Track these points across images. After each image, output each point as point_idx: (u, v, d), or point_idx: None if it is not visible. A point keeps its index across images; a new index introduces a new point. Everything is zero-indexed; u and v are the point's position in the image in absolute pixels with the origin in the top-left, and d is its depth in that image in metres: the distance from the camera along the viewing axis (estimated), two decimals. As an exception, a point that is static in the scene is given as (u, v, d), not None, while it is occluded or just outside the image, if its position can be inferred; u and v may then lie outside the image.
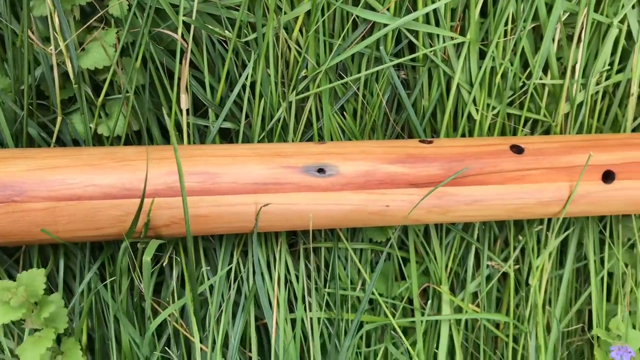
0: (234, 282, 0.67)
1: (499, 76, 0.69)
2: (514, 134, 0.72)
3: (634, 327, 0.74)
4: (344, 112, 0.70)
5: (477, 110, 0.70)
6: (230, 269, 0.66)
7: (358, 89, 0.68)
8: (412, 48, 0.69)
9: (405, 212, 0.62)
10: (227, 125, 0.67)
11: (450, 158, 0.63)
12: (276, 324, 0.64)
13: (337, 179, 0.60)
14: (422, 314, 0.71)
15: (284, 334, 0.64)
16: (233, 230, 0.61)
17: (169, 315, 0.64)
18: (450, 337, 0.73)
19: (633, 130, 0.75)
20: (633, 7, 0.70)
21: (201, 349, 0.63)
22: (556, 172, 0.64)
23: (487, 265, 0.74)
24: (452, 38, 0.67)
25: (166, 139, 0.67)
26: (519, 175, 0.63)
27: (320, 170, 0.60)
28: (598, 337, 0.74)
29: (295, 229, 0.63)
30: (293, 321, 0.68)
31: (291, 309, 0.68)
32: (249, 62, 0.64)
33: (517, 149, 0.64)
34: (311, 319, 0.67)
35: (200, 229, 0.60)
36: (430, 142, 0.64)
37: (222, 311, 0.64)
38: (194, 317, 0.63)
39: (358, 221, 0.63)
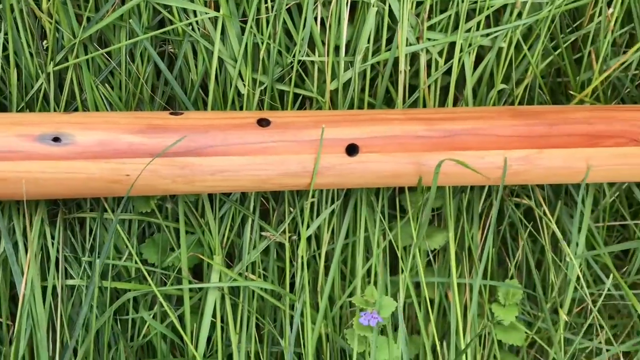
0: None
1: (262, 52, 0.71)
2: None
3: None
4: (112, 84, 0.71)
5: (244, 85, 0.72)
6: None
7: (119, 62, 0.69)
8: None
9: (148, 181, 0.64)
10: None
11: (194, 129, 0.64)
12: (24, 290, 0.66)
13: (73, 147, 0.61)
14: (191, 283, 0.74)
15: (32, 301, 0.66)
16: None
17: None
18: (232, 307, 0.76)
19: (410, 106, 0.78)
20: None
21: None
22: (300, 145, 0.66)
23: (261, 236, 0.77)
24: (206, 13, 0.68)
25: None
26: (262, 147, 0.65)
27: (56, 139, 0.61)
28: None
29: (33, 198, 0.64)
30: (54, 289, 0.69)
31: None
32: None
33: (263, 122, 0.66)
34: (67, 286, 0.68)
35: None
36: (181, 114, 0.66)
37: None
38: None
39: (99, 190, 0.64)
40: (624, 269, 0.86)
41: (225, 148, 0.64)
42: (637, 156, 0.72)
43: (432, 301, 0.83)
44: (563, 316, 0.75)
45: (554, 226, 0.76)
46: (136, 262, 0.71)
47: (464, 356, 0.80)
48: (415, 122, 0.69)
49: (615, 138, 0.71)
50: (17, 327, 0.66)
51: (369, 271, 0.80)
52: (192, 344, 0.72)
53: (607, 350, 0.78)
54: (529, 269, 0.85)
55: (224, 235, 0.76)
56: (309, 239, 0.79)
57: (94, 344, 0.68)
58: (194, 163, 0.64)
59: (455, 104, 0.80)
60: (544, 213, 0.79)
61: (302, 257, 0.74)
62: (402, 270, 0.77)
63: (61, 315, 0.69)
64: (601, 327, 0.79)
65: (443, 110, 0.73)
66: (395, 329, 0.76)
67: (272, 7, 0.70)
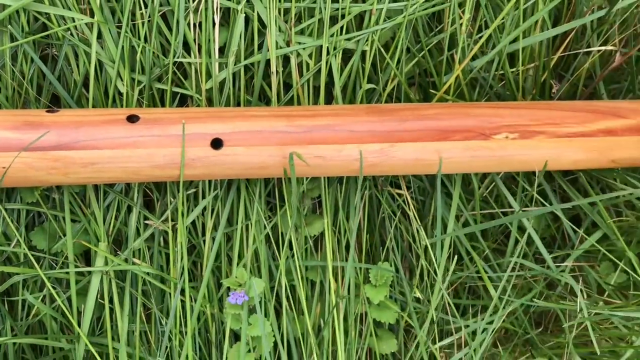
0: None
1: (138, 54, 0.77)
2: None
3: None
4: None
5: (123, 84, 0.78)
6: None
7: (4, 64, 0.75)
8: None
9: (24, 173, 0.70)
10: None
11: (66, 125, 0.70)
12: None
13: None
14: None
15: None
16: None
17: None
18: (119, 290, 0.82)
19: (286, 103, 0.85)
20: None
21: None
22: (168, 139, 0.73)
23: (147, 225, 0.83)
24: (81, 19, 0.74)
25: None
26: (130, 141, 0.72)
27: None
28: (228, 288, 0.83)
29: None
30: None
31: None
32: None
33: (133, 119, 0.73)
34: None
35: None
36: (57, 111, 0.72)
37: None
38: None
39: (-22, 182, 0.70)
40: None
41: (95, 142, 0.71)
42: (485, 149, 0.79)
43: (313, 283, 0.90)
44: (417, 293, 0.83)
45: (412, 212, 0.84)
46: (24, 248, 0.77)
47: (342, 334, 0.87)
48: (278, 119, 0.76)
49: (464, 132, 0.79)
50: None
51: (256, 256, 0.87)
52: (77, 324, 0.78)
53: (466, 327, 0.85)
54: (403, 253, 0.92)
55: (110, 224, 0.82)
56: (194, 226, 0.85)
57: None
58: (66, 156, 0.70)
59: (329, 103, 0.87)
60: (405, 201, 0.86)
61: (182, 243, 0.81)
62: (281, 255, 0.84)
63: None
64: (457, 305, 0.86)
65: (304, 107, 0.79)
66: (277, 309, 0.84)
67: (147, 13, 0.77)
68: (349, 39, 0.82)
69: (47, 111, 0.72)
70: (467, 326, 0.86)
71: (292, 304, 0.91)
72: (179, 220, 0.80)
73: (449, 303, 0.83)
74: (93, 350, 0.77)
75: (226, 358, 0.83)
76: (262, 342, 0.81)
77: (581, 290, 0.85)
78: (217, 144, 0.74)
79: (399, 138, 0.77)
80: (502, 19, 0.83)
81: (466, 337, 0.86)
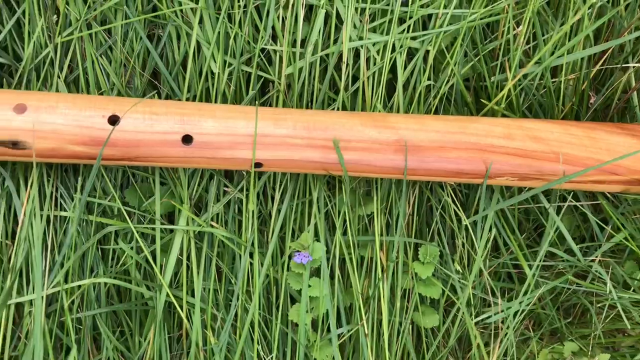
0: None
1: (231, 39, 0.88)
2: (247, 89, 0.92)
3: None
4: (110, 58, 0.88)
5: (216, 66, 0.89)
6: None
7: (115, 41, 0.86)
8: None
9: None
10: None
11: (129, 144, 0.79)
12: (23, 215, 0.82)
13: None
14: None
15: (29, 228, 0.82)
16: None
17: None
18: (197, 249, 0.92)
19: (352, 94, 0.95)
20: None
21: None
22: (217, 161, 0.83)
23: (225, 192, 0.93)
24: (187, 4, 0.86)
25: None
26: (184, 160, 0.82)
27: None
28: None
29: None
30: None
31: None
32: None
33: (187, 140, 0.81)
34: (59, 217, 0.85)
35: None
36: (118, 122, 0.80)
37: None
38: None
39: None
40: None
41: (152, 159, 0.82)
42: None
43: (362, 258, 0.99)
44: (457, 266, 0.92)
45: (449, 199, 0.93)
46: (118, 203, 0.87)
47: (389, 306, 0.96)
48: (314, 149, 0.85)
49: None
50: (15, 245, 0.82)
51: (316, 231, 0.97)
52: (160, 275, 0.88)
53: (496, 304, 0.94)
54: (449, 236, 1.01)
55: (193, 189, 0.92)
56: (265, 196, 0.95)
57: (79, 266, 0.84)
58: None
59: (390, 97, 0.97)
60: (450, 194, 0.96)
61: (253, 211, 0.91)
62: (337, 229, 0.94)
63: (53, 239, 0.85)
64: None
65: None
66: (331, 277, 0.93)
67: (243, 3, 0.88)
68: (414, 38, 0.92)
69: (109, 121, 0.80)
70: (503, 309, 0.94)
71: (343, 276, 1.00)
72: (250, 190, 0.90)
73: (488, 280, 0.92)
74: (174, 299, 0.86)
75: (286, 316, 0.92)
76: (320, 302, 0.91)
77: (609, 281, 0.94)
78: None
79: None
80: (550, 35, 0.94)
81: (502, 319, 0.95)
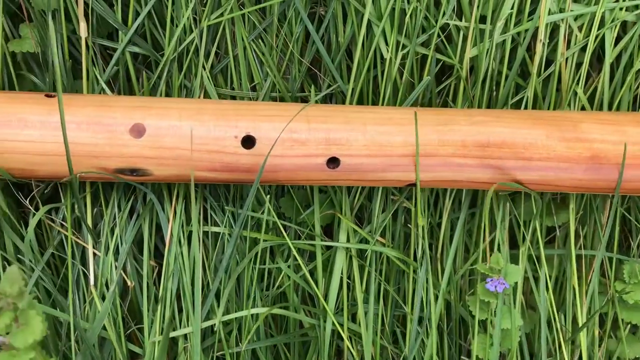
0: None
1: (408, 16, 0.73)
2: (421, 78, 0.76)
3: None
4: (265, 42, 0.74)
5: (387, 49, 0.73)
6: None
7: (271, 22, 0.72)
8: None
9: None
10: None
11: (267, 169, 0.66)
12: (170, 234, 0.69)
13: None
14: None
15: (177, 244, 0.69)
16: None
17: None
18: (355, 267, 0.78)
19: (544, 80, 0.78)
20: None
21: (94, 253, 0.68)
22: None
23: (392, 200, 0.78)
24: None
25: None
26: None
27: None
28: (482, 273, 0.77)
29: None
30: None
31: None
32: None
33: (333, 162, 0.68)
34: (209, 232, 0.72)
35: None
36: (253, 145, 0.66)
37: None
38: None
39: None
40: None
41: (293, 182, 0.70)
42: None
43: (549, 277, 0.83)
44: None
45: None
46: (273, 216, 0.73)
47: (582, 333, 0.79)
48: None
49: None
50: (164, 269, 0.70)
51: (490, 246, 0.81)
52: (323, 299, 0.74)
53: None
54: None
55: (354, 197, 0.78)
56: (435, 206, 0.80)
57: (235, 290, 0.71)
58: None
59: (587, 81, 0.80)
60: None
61: (423, 226, 0.76)
62: (524, 241, 0.77)
63: (203, 259, 0.72)
64: None
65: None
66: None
67: (423, -27, 0.72)
68: (629, 9, 0.74)
69: (243, 145, 0.66)
70: None
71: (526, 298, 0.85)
72: (417, 205, 0.75)
73: None
74: (340, 329, 0.73)
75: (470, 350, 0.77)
76: (512, 335, 0.75)
77: None
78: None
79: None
80: None
81: None
